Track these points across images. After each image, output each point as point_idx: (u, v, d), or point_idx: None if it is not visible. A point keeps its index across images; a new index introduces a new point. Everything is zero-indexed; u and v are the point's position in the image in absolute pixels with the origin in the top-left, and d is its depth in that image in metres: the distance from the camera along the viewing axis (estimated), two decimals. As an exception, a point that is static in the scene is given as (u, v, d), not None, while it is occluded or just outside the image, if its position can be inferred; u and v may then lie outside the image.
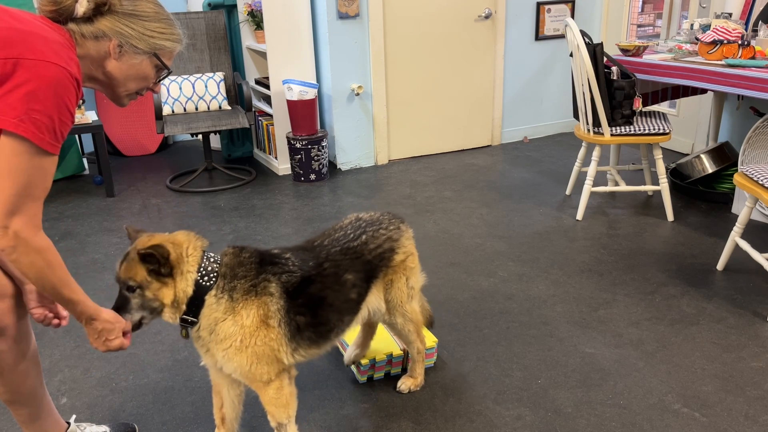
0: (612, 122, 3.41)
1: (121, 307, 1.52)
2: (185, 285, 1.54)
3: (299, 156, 4.26)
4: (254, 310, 1.60)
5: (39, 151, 1.24)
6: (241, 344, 1.59)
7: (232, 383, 1.80)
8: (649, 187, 3.54)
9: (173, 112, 4.40)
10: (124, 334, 1.52)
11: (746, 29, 3.51)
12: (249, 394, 1.89)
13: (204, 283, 1.56)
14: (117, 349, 1.50)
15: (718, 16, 3.62)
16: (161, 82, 1.51)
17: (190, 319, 1.57)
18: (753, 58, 3.10)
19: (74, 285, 1.39)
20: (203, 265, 1.57)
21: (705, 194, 3.76)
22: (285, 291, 1.65)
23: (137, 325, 1.55)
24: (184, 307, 1.55)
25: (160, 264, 1.50)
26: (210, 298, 1.57)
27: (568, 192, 3.96)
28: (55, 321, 1.59)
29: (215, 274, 1.58)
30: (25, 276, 1.31)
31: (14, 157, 1.22)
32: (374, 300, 1.93)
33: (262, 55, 4.72)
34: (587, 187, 3.54)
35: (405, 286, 1.97)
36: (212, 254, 1.61)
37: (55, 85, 1.23)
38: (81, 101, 1.43)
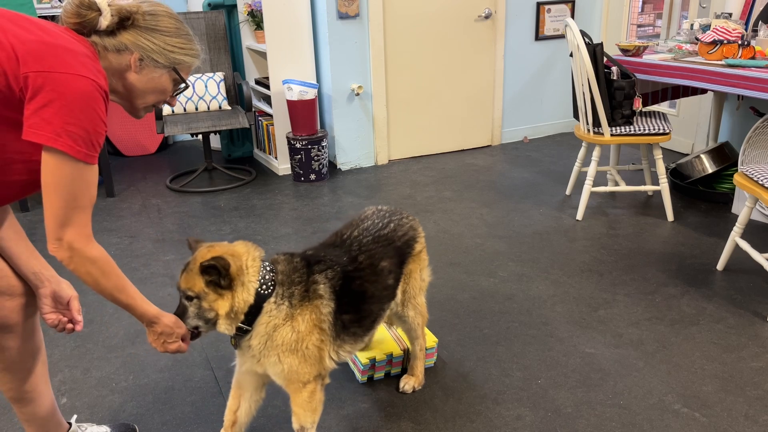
0: (612, 122, 3.41)
1: (180, 314, 1.57)
2: (247, 295, 1.57)
3: (299, 156, 4.27)
4: (308, 315, 1.64)
5: (78, 163, 1.28)
6: (295, 346, 1.62)
7: (255, 389, 1.81)
8: (649, 187, 3.54)
9: (173, 112, 4.40)
10: (183, 339, 1.57)
11: (746, 29, 3.51)
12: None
13: (263, 291, 1.59)
14: (174, 352, 1.56)
15: (718, 16, 3.62)
16: (177, 95, 1.54)
17: (245, 327, 1.60)
18: (753, 58, 3.10)
19: (132, 290, 1.44)
20: (261, 274, 1.60)
21: (705, 194, 3.76)
22: (333, 291, 1.68)
23: (196, 334, 1.61)
24: (242, 316, 1.58)
25: (220, 275, 1.52)
26: (269, 305, 1.59)
27: (568, 192, 3.96)
28: (69, 326, 1.60)
29: (272, 282, 1.61)
30: (84, 283, 1.36)
31: (56, 172, 1.27)
32: (399, 288, 1.97)
33: (262, 55, 4.72)
34: (587, 187, 3.54)
35: (419, 278, 2.03)
36: (267, 263, 1.64)
37: (86, 97, 1.26)
38: None
